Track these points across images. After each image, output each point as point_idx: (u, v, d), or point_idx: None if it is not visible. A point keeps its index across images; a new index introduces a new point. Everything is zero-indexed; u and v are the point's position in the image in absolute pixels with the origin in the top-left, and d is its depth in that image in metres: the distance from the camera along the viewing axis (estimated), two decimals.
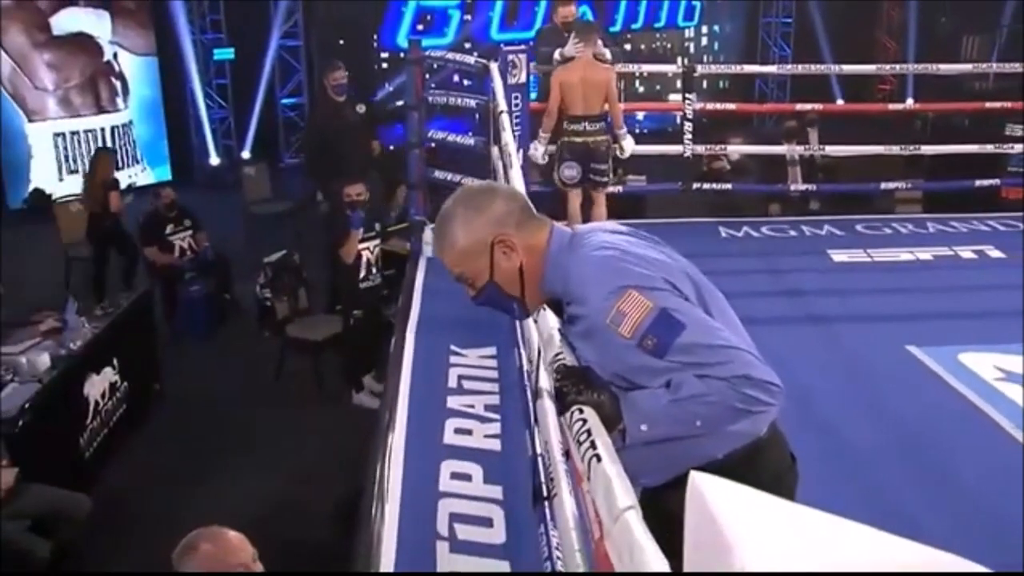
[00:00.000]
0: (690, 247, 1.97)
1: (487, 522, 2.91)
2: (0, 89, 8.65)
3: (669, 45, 12.03)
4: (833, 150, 6.75)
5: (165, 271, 6.42)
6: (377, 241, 5.57)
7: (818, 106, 7.18)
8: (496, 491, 3.07)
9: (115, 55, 9.51)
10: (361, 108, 6.62)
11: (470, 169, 5.40)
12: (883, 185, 6.48)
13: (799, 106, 7.75)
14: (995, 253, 5.60)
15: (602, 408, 1.57)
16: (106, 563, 3.77)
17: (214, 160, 10.33)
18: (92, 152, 8.54)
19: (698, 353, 1.56)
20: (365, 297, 5.43)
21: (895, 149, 6.40)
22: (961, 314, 4.59)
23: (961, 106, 7.98)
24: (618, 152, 5.49)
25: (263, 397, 5.40)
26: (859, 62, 8.90)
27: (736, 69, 9.18)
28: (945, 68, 6.87)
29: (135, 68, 9.74)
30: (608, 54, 5.65)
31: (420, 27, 10.47)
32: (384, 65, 10.58)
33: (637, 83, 10.97)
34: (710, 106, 7.32)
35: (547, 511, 2.15)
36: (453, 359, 4.12)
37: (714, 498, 0.96)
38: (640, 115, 10.31)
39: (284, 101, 10.67)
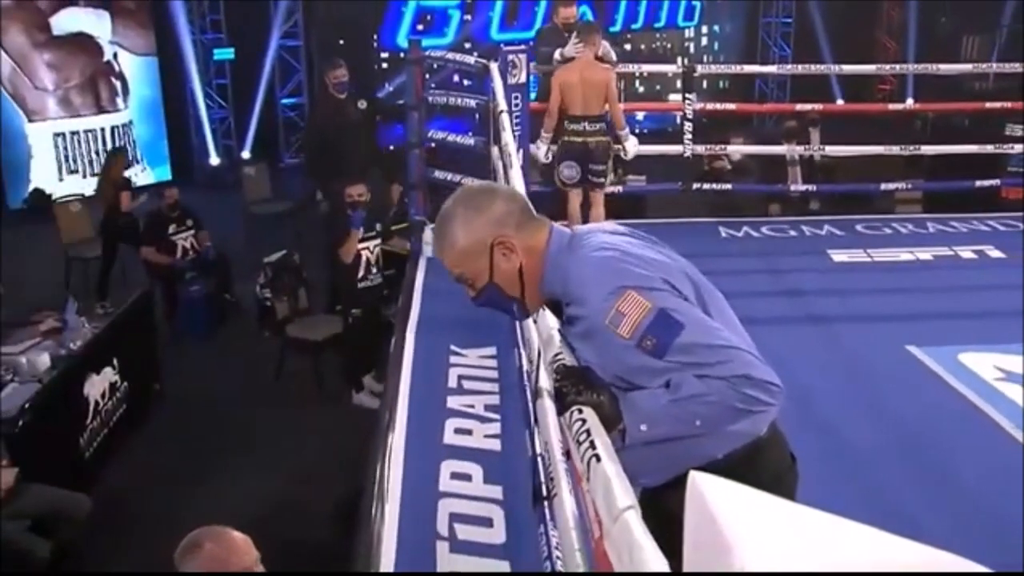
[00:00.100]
0: (690, 247, 1.97)
1: (487, 522, 2.91)
2: (0, 89, 8.65)
3: (669, 45, 12.01)
4: (833, 150, 6.76)
5: (163, 271, 6.42)
6: (377, 241, 5.57)
7: (818, 106, 7.18)
8: (496, 491, 3.07)
9: (115, 55, 9.50)
10: (363, 104, 6.57)
11: (470, 169, 5.40)
12: (883, 185, 6.47)
13: (799, 106, 7.73)
14: (995, 253, 5.60)
15: (602, 408, 1.58)
16: (106, 563, 3.77)
17: (214, 160, 10.32)
18: (102, 152, 8.66)
19: (697, 353, 1.56)
20: (364, 296, 5.43)
21: (895, 149, 6.41)
22: (961, 314, 4.60)
23: (961, 106, 7.97)
24: (622, 153, 5.50)
25: (263, 397, 5.40)
26: (859, 62, 8.89)
27: (736, 69, 9.19)
28: (945, 68, 6.88)
29: (135, 68, 9.73)
30: (613, 55, 5.65)
31: (420, 27, 10.44)
32: (384, 65, 10.55)
33: (637, 83, 10.96)
34: (710, 106, 7.32)
35: (547, 511, 2.15)
36: (453, 359, 4.12)
37: (714, 498, 0.96)
38: (640, 115, 10.30)
39: (284, 101, 10.66)
